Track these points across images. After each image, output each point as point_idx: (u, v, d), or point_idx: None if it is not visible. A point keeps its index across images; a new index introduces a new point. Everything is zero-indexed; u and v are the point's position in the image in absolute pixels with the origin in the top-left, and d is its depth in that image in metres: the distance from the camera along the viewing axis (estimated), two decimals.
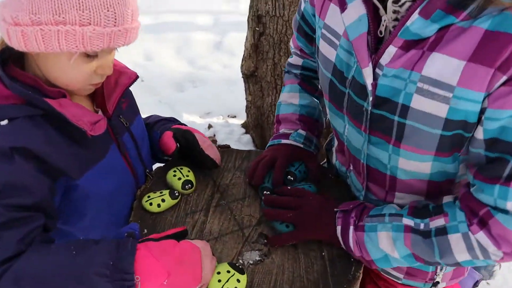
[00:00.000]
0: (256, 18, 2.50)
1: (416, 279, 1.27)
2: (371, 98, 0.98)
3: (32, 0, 0.95)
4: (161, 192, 1.26)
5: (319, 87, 1.40)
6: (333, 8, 1.06)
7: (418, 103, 0.91)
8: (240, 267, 1.06)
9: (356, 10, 0.96)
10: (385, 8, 0.92)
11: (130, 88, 1.29)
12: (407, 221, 1.03)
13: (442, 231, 0.97)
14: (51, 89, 1.06)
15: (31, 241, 0.96)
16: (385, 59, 0.93)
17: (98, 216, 1.17)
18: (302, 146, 1.36)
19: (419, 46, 0.89)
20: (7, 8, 0.98)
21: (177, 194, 1.25)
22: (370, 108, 1.00)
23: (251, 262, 1.12)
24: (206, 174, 1.39)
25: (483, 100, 0.85)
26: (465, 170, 1.01)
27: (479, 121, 0.88)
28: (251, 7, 2.54)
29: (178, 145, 1.32)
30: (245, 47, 2.65)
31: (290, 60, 1.51)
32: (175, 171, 1.32)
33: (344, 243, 1.11)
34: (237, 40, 5.23)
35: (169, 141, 1.32)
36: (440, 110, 0.89)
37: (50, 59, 1.04)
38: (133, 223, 1.10)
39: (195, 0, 7.56)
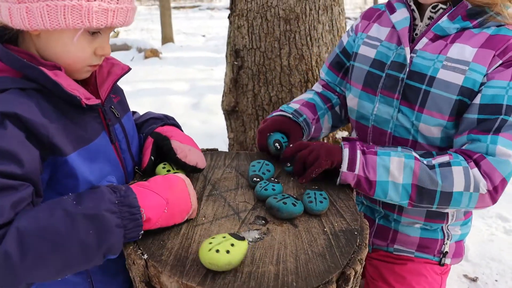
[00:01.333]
0: (234, 53, 2.54)
1: (428, 251, 1.44)
2: (407, 70, 1.33)
3: None
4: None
5: (332, 101, 1.67)
6: (376, 26, 1.51)
7: (443, 74, 1.27)
8: (241, 235, 0.99)
9: (403, 13, 1.41)
10: (420, 16, 1.37)
11: None
12: (416, 154, 1.25)
13: (447, 164, 1.22)
14: (46, 62, 1.04)
15: (22, 210, 0.91)
16: (419, 46, 1.34)
17: None
18: (290, 116, 1.49)
19: (443, 39, 1.31)
20: None
21: None
22: (405, 77, 1.34)
23: (251, 239, 1.05)
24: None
25: (485, 75, 1.23)
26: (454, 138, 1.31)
27: (478, 91, 1.23)
28: (228, 43, 2.59)
29: (152, 159, 1.27)
30: (224, 83, 2.67)
31: (313, 87, 1.78)
32: (164, 164, 1.27)
33: (350, 160, 1.23)
34: (214, 101, 5.32)
35: (144, 155, 1.29)
36: (458, 79, 1.26)
37: (52, 37, 1.03)
38: (108, 176, 1.13)
39: (170, 71, 7.76)
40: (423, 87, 1.31)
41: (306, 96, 1.65)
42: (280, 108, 1.56)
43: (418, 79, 1.32)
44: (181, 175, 1.13)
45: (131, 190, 1.00)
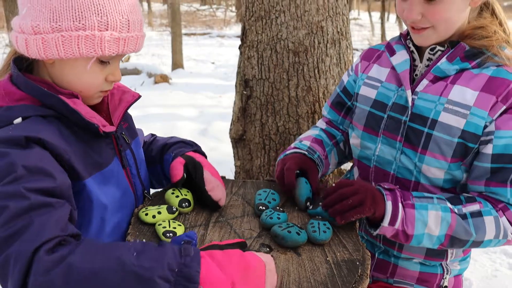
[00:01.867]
0: (244, 83, 2.60)
1: (427, 284, 1.45)
2: (409, 112, 1.35)
3: (53, 8, 1.02)
4: (159, 206, 1.24)
5: (336, 137, 1.68)
6: (376, 67, 1.53)
7: (444, 118, 1.30)
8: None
9: (402, 56, 1.43)
10: (419, 56, 1.40)
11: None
12: (450, 205, 1.27)
13: (478, 214, 1.25)
14: (64, 90, 1.10)
15: (65, 227, 0.92)
16: (419, 88, 1.36)
17: (102, 227, 1.14)
18: (306, 153, 1.51)
19: (443, 80, 1.33)
20: (26, 19, 1.05)
21: (174, 209, 1.24)
22: (408, 119, 1.36)
23: None
24: None
25: (488, 121, 1.25)
26: (467, 181, 1.34)
27: (482, 135, 1.26)
28: (238, 73, 2.66)
29: (185, 176, 1.31)
30: (233, 111, 2.73)
31: (316, 124, 1.79)
32: (173, 190, 1.32)
33: (392, 216, 1.23)
34: (221, 128, 5.39)
35: (177, 169, 1.30)
36: (460, 123, 1.28)
37: (66, 66, 1.09)
38: (191, 231, 1.07)
39: (179, 96, 7.86)
40: (426, 130, 1.33)
41: (313, 132, 1.67)
42: (293, 145, 1.58)
43: (420, 121, 1.34)
44: (265, 257, 1.02)
45: (198, 260, 0.90)
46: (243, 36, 2.58)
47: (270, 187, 1.48)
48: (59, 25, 1.02)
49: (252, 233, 1.22)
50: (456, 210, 1.25)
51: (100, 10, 1.03)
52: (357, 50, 13.78)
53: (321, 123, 1.76)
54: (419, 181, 1.39)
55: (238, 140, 2.74)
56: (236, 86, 2.68)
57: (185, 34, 16.81)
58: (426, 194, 1.30)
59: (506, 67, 1.28)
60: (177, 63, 11.20)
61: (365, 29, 20.99)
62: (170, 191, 1.31)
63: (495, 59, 1.28)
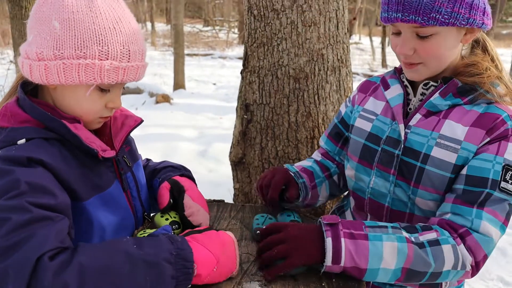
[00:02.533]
0: (244, 107, 2.65)
1: None
2: (402, 146, 1.37)
3: (57, 37, 1.06)
4: (152, 230, 1.27)
5: (330, 170, 1.71)
6: (372, 100, 1.56)
7: (436, 152, 1.31)
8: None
9: (396, 90, 1.47)
10: (413, 90, 1.43)
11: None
12: (406, 234, 1.22)
13: (436, 242, 1.21)
14: (66, 115, 1.14)
15: (64, 239, 0.96)
16: (412, 122, 1.38)
17: None
18: (292, 175, 1.55)
19: (436, 115, 1.35)
20: (32, 46, 1.09)
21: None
22: (400, 153, 1.38)
23: None
24: None
25: (475, 152, 1.27)
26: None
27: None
28: (239, 97, 2.70)
29: (171, 201, 1.35)
30: (233, 135, 2.77)
31: (312, 155, 1.86)
32: (163, 213, 1.35)
33: (334, 253, 1.15)
34: (221, 150, 5.43)
35: (163, 195, 1.36)
36: (451, 157, 1.30)
37: (67, 91, 1.13)
38: (166, 225, 1.19)
39: (180, 117, 7.92)
40: (418, 164, 1.34)
41: (305, 163, 1.71)
42: (285, 166, 1.63)
43: (413, 156, 1.35)
44: (232, 236, 1.17)
45: (187, 243, 1.06)
46: (245, 62, 2.64)
47: (268, 211, 1.51)
48: (62, 53, 1.06)
49: (249, 257, 1.25)
50: (412, 239, 1.21)
51: (102, 40, 1.08)
52: (357, 74, 13.91)
53: (316, 155, 1.79)
54: (413, 213, 1.40)
55: (238, 163, 2.77)
56: (237, 110, 2.73)
57: (187, 54, 16.96)
58: (379, 223, 1.26)
59: (497, 104, 1.31)
60: (179, 84, 11.30)
61: (366, 54, 21.20)
62: (159, 214, 1.34)
63: (487, 96, 1.31)
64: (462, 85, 1.33)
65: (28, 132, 1.09)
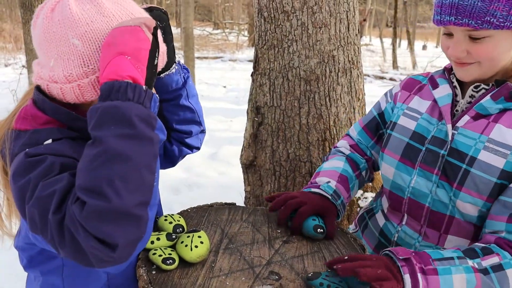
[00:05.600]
0: (255, 109, 2.64)
1: None
2: (448, 146, 1.35)
3: (81, 54, 1.04)
4: (159, 232, 1.26)
5: (360, 166, 1.66)
6: (417, 99, 1.53)
7: (484, 156, 1.29)
8: (194, 228, 1.27)
9: (445, 90, 1.44)
10: (462, 92, 1.40)
11: None
12: (471, 263, 1.18)
13: (499, 268, 1.18)
14: None
15: None
16: (460, 123, 1.36)
17: None
18: (330, 197, 1.47)
19: (485, 118, 1.32)
20: (56, 70, 1.07)
21: (174, 236, 1.25)
22: (446, 153, 1.36)
23: None
24: (213, 223, 1.41)
25: None
26: (488, 217, 1.29)
27: None
28: (250, 100, 2.70)
29: None
30: (244, 137, 2.77)
31: (338, 145, 1.76)
32: (166, 217, 1.34)
33: None
34: (231, 153, 5.42)
35: None
36: (500, 162, 1.26)
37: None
38: None
39: None
40: (464, 166, 1.32)
41: (337, 164, 1.63)
42: (320, 185, 1.52)
43: (459, 157, 1.33)
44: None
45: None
46: (256, 64, 2.63)
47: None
48: (92, 68, 1.05)
49: (261, 260, 1.24)
50: (477, 266, 1.18)
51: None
52: (368, 76, 13.85)
53: (344, 147, 1.72)
54: (454, 216, 1.37)
55: (249, 166, 2.77)
56: (247, 112, 2.72)
57: (197, 57, 17.02)
58: (445, 254, 1.21)
59: None
60: None
61: (376, 55, 21.12)
62: (163, 217, 1.33)
63: None
64: None
65: (53, 132, 1.07)
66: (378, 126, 1.65)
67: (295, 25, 2.42)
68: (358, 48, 2.62)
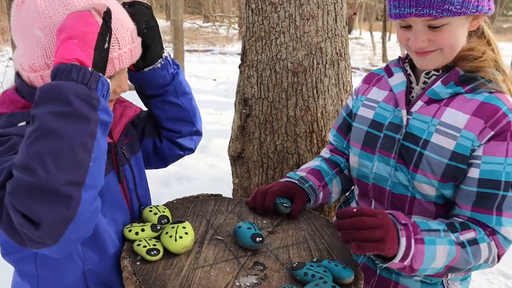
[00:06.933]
0: (243, 101, 2.64)
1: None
2: (404, 131, 1.41)
3: (44, 46, 1.06)
4: (144, 224, 1.26)
5: (340, 165, 1.72)
6: (375, 89, 1.60)
7: (436, 138, 1.36)
8: (178, 219, 1.28)
9: (400, 78, 1.50)
10: (416, 79, 1.46)
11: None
12: (453, 237, 1.27)
13: (474, 242, 1.28)
14: None
15: None
16: (414, 108, 1.42)
17: (97, 238, 1.16)
18: (296, 182, 1.53)
19: (437, 103, 1.39)
20: (24, 58, 1.10)
21: (158, 228, 1.25)
22: (401, 138, 1.42)
23: (248, 284, 1.11)
24: (199, 214, 1.40)
25: (476, 145, 1.30)
26: (454, 202, 1.38)
27: (470, 157, 1.32)
28: (237, 92, 2.69)
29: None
30: (232, 129, 2.76)
31: (321, 153, 1.84)
32: (151, 208, 1.33)
33: (404, 253, 1.21)
34: (221, 146, 5.42)
35: None
36: (450, 144, 1.34)
37: None
38: None
39: None
40: (418, 149, 1.38)
41: (313, 163, 1.71)
42: (287, 175, 1.61)
43: (413, 141, 1.39)
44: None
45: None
46: (243, 56, 2.62)
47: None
48: (53, 60, 1.04)
49: (246, 251, 1.24)
50: (455, 239, 1.27)
51: None
52: (358, 69, 13.86)
53: (324, 152, 1.80)
54: (415, 196, 1.43)
55: (237, 158, 2.76)
56: (235, 104, 2.72)
57: (187, 50, 16.91)
58: (432, 226, 1.29)
59: (498, 94, 1.33)
60: None
61: (366, 49, 21.13)
62: (148, 208, 1.33)
63: (488, 86, 1.34)
64: (464, 73, 1.36)
65: (28, 116, 1.06)
66: (349, 125, 1.70)
67: (283, 16, 2.41)
68: (345, 40, 2.61)
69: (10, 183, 0.86)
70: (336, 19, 2.50)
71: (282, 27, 2.43)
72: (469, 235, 1.29)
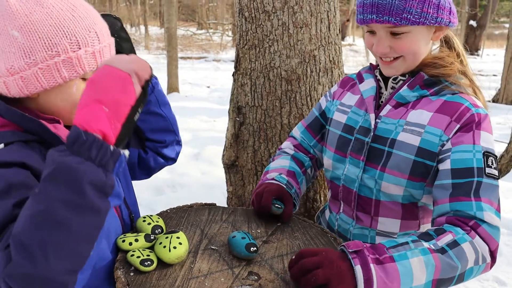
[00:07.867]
0: (237, 109, 2.64)
1: None
2: (372, 134, 1.48)
3: (22, 46, 1.04)
4: (137, 234, 1.25)
5: (304, 164, 1.74)
6: (349, 94, 1.66)
7: (402, 137, 1.42)
8: (172, 229, 1.28)
9: (370, 83, 1.57)
10: (385, 85, 1.53)
11: None
12: (426, 245, 1.19)
13: (455, 244, 1.20)
14: (45, 116, 1.12)
15: None
16: (383, 112, 1.49)
17: None
18: (284, 186, 1.54)
19: (404, 106, 1.46)
20: None
21: (152, 238, 1.23)
22: (370, 140, 1.48)
23: None
24: (193, 224, 1.40)
25: (445, 140, 1.35)
26: (433, 205, 1.36)
27: (439, 153, 1.36)
28: (231, 100, 2.69)
29: None
30: (226, 137, 2.75)
31: (283, 146, 1.84)
32: (144, 218, 1.33)
33: (366, 281, 1.09)
34: (215, 153, 5.41)
35: None
36: (415, 140, 1.40)
37: (52, 95, 1.11)
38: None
39: None
40: (386, 148, 1.45)
41: (284, 163, 1.70)
42: (274, 177, 1.59)
43: (381, 142, 1.46)
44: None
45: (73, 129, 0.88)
46: (237, 64, 2.63)
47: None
48: (34, 59, 1.04)
49: (241, 261, 1.23)
50: (433, 247, 1.18)
51: (67, 31, 1.06)
52: None
53: (288, 148, 1.79)
54: (379, 199, 1.49)
55: (231, 166, 2.76)
56: (229, 112, 2.72)
57: (181, 57, 16.94)
58: (399, 241, 1.20)
59: (461, 94, 1.41)
60: (172, 87, 11.28)
61: (360, 55, 21.24)
62: (141, 218, 1.32)
63: (452, 88, 1.41)
64: (428, 77, 1.43)
65: (6, 136, 1.06)
66: (321, 125, 1.75)
67: (276, 25, 2.42)
68: (339, 48, 2.62)
69: (5, 259, 0.86)
70: (329, 27, 2.51)
71: (275, 35, 2.43)
72: (447, 238, 1.21)
